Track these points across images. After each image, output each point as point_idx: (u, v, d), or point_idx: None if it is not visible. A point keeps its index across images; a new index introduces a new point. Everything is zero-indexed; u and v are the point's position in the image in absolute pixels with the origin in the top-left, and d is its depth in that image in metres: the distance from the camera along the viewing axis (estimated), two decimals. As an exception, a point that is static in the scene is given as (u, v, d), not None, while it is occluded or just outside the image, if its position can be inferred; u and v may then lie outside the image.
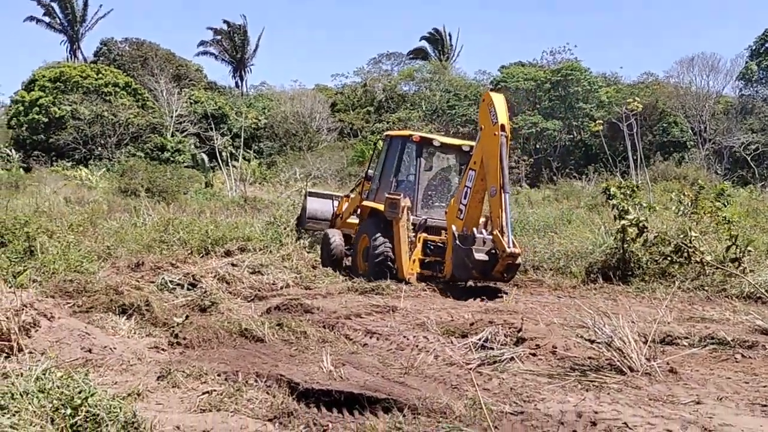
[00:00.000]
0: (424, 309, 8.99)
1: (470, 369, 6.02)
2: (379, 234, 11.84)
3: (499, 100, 10.97)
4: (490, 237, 10.71)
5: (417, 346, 6.99)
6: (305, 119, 52.66)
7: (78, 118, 43.61)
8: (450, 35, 69.94)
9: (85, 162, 42.14)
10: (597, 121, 24.68)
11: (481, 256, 10.45)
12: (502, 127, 10.63)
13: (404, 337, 7.35)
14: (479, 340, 6.67)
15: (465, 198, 11.18)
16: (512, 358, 6.15)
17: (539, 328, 6.97)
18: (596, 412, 4.84)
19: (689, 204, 14.88)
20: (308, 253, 14.29)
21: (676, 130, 49.54)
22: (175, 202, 25.22)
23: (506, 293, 10.54)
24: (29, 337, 6.24)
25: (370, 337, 7.54)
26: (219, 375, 5.99)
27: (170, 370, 5.89)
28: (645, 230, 10.86)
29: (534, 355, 6.27)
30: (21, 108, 45.65)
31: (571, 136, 52.65)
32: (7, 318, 5.98)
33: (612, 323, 5.93)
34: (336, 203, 15.32)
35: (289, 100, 55.32)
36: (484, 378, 5.78)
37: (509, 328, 6.84)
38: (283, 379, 5.82)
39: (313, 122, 52.95)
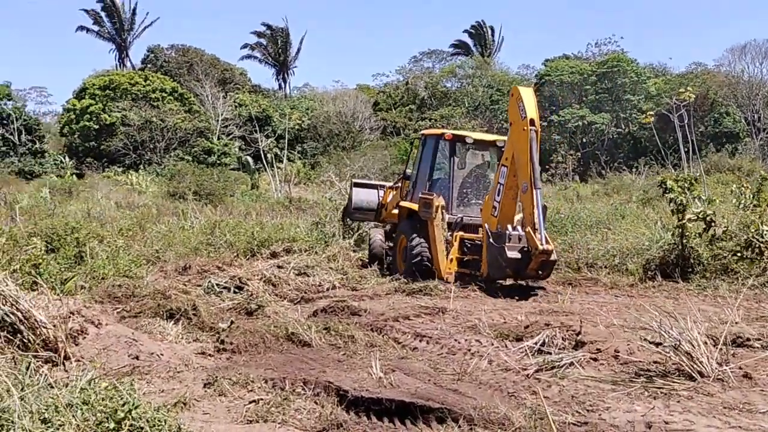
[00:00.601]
0: (474, 310, 8.69)
1: (527, 375, 5.71)
2: (415, 234, 11.79)
3: (527, 95, 10.83)
4: (522, 234, 10.49)
5: (469, 350, 6.71)
6: (348, 119, 52.68)
7: (127, 124, 44.59)
8: (492, 29, 69.07)
9: (135, 167, 43.04)
10: (648, 113, 23.79)
11: (513, 254, 10.27)
12: (531, 122, 10.48)
13: (455, 340, 7.07)
14: (535, 343, 6.34)
15: (498, 195, 11.03)
16: (572, 363, 5.81)
17: (599, 330, 6.59)
18: (667, 422, 4.50)
19: (750, 196, 14.12)
20: (354, 252, 14.12)
21: (729, 120, 47.82)
22: (222, 204, 25.46)
23: (560, 293, 10.13)
24: (77, 345, 6.20)
25: (420, 341, 7.29)
26: (266, 382, 5.84)
27: (217, 377, 5.77)
28: (712, 225, 10.26)
29: (595, 359, 5.91)
30: (73, 116, 46.93)
31: (619, 129, 51.31)
32: (54, 326, 5.95)
33: (679, 325, 5.53)
34: (381, 193, 15.06)
35: (332, 101, 55.45)
36: (542, 385, 5.47)
37: (567, 330, 6.49)
38: (331, 386, 5.63)
39: (355, 122, 52.92)
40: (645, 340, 6.01)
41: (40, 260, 8.18)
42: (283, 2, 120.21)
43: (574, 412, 4.74)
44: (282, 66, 68.88)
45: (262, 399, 5.23)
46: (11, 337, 5.77)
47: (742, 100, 48.38)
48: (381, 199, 14.85)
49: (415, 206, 12.24)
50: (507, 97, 56.20)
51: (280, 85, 69.68)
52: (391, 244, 13.42)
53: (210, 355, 6.98)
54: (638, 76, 51.19)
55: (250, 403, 5.18)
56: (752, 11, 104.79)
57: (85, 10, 64.85)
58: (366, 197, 15.10)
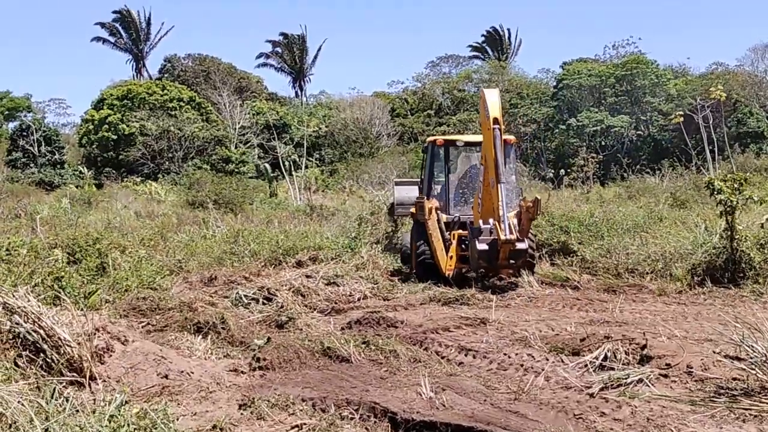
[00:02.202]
0: (518, 321, 8.19)
1: (592, 394, 5.21)
2: (419, 238, 12.40)
3: (491, 96, 11.31)
4: (489, 227, 10.85)
5: (522, 365, 6.20)
6: (365, 125, 52.36)
7: (146, 134, 44.59)
8: (509, 32, 68.53)
9: (154, 176, 42.97)
10: (677, 113, 23.13)
11: (482, 246, 10.71)
12: (495, 121, 10.89)
13: (505, 354, 6.57)
14: (596, 358, 5.83)
15: (480, 192, 11.56)
16: (640, 381, 5.30)
17: (665, 343, 6.05)
18: (763, 450, 3.97)
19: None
20: (382, 260, 13.70)
21: (752, 120, 46.84)
22: (242, 212, 25.12)
23: (605, 301, 9.57)
24: (102, 364, 5.79)
25: (466, 355, 6.81)
26: (305, 401, 5.40)
27: (253, 398, 5.33)
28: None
29: (665, 376, 5.39)
30: (91, 126, 47.06)
31: (639, 131, 50.47)
32: (79, 344, 5.54)
33: (764, 337, 5.00)
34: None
35: (349, 107, 55.18)
36: (611, 405, 4.96)
37: (630, 343, 5.96)
38: (377, 407, 5.18)
39: (373, 128, 52.59)
40: (720, 353, 5.47)
41: (63, 273, 7.80)
42: (297, 11, 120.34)
43: (654, 437, 4.24)
44: (298, 74, 68.79)
45: (305, 424, 4.78)
46: (34, 357, 5.37)
47: (765, 100, 47.41)
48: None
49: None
50: (526, 101, 55.91)
51: (296, 92, 69.66)
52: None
53: (243, 372, 6.54)
54: (658, 77, 50.37)
55: (293, 428, 4.73)
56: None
57: (101, 24, 65.30)
58: (407, 194, 15.68)
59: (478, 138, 13.21)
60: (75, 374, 5.48)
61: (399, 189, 16.08)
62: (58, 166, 46.01)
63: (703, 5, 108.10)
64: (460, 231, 12.09)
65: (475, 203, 11.93)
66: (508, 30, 68.60)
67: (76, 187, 40.38)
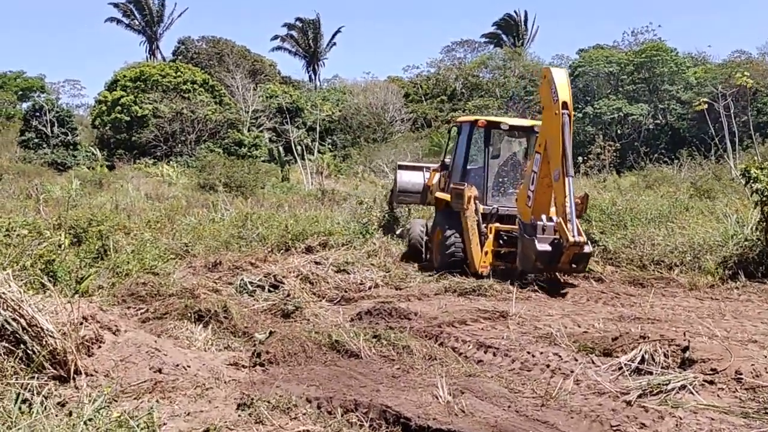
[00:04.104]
0: (541, 315, 7.64)
1: (629, 402, 4.66)
2: (449, 227, 11.22)
3: (560, 76, 10.11)
4: (551, 224, 9.79)
5: (548, 366, 5.66)
6: (378, 110, 51.70)
7: (158, 116, 44.18)
8: (527, 15, 67.30)
9: (166, 159, 42.63)
10: (702, 100, 22.34)
11: (544, 246, 9.60)
12: (564, 105, 9.73)
13: (529, 353, 6.03)
14: (631, 360, 5.27)
15: (532, 184, 10.28)
16: (683, 387, 4.75)
17: (707, 344, 5.47)
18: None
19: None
20: (394, 248, 13.15)
21: (773, 110, 45.79)
22: (253, 196, 24.68)
23: (632, 295, 9.00)
24: (90, 356, 5.32)
25: (485, 352, 6.28)
26: (310, 402, 4.91)
27: (252, 398, 4.84)
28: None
29: (711, 382, 4.84)
30: (104, 108, 46.69)
31: (657, 120, 49.46)
32: (63, 334, 5.07)
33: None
34: (427, 175, 14.31)
35: (362, 92, 54.51)
36: (652, 416, 4.42)
37: (669, 344, 5.39)
38: (389, 411, 4.67)
39: (386, 113, 51.92)
40: (772, 358, 4.91)
41: (54, 256, 7.33)
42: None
43: (707, 456, 3.69)
44: (312, 57, 68.09)
45: (308, 430, 4.27)
46: (13, 348, 4.91)
47: (787, 89, 46.18)
48: (426, 180, 14.09)
49: (448, 197, 11.62)
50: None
51: (310, 76, 68.98)
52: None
53: (244, 366, 6.06)
54: (678, 65, 49.23)
55: (295, 435, 4.23)
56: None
57: (114, 4, 64.80)
58: (411, 179, 14.55)
59: (525, 122, 12.39)
60: (58, 368, 5.02)
61: (402, 174, 14.69)
62: (71, 147, 45.74)
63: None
64: (498, 224, 11.05)
65: (521, 195, 10.64)
66: (525, 13, 67.32)
67: (88, 168, 40.14)
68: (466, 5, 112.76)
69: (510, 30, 67.70)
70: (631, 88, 49.77)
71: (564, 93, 9.80)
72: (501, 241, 10.98)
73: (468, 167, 11.99)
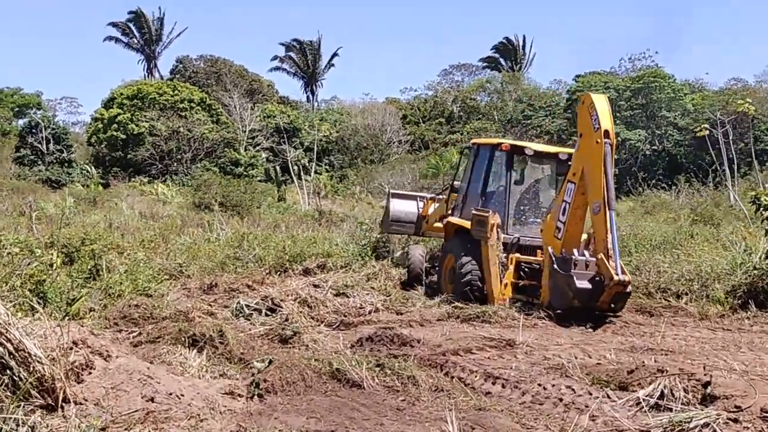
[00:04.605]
0: (549, 345, 7.38)
1: (651, 440, 4.39)
2: (465, 254, 10.64)
3: (601, 103, 9.65)
4: (592, 260, 9.18)
5: (561, 399, 5.39)
6: (376, 132, 51.74)
7: (155, 134, 44.03)
8: (525, 39, 67.79)
9: (162, 177, 42.40)
10: (703, 126, 22.37)
11: (583, 284, 9.00)
12: (606, 134, 9.25)
13: (540, 385, 5.76)
14: (650, 396, 5.01)
15: (563, 214, 9.75)
16: (706, 425, 4.49)
17: (728, 379, 5.22)
18: None
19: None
20: (394, 270, 12.87)
21: (770, 137, 46.18)
22: (249, 216, 24.43)
23: (641, 324, 8.77)
24: (80, 383, 5.03)
25: (494, 383, 6.00)
26: (310, 437, 4.63)
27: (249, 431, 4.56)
28: None
29: (735, 420, 4.57)
30: (100, 125, 46.54)
31: (654, 146, 49.64)
32: (52, 360, 4.79)
33: None
34: (421, 204, 13.94)
35: (360, 113, 54.59)
36: (676, 457, 4.16)
37: (689, 379, 5.14)
38: (395, 448, 4.39)
39: (383, 135, 51.94)
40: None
41: (45, 276, 7.05)
42: (310, 16, 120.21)
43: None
44: (310, 78, 68.30)
45: (310, 469, 3.99)
46: (-2, 375, 4.62)
47: (783, 117, 46.52)
48: (421, 211, 13.73)
49: (465, 223, 11.09)
50: (540, 112, 55.22)
51: (308, 97, 69.14)
52: (432, 265, 12.28)
53: (240, 395, 5.77)
54: (675, 92, 49.57)
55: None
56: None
57: (114, 23, 65.04)
58: (405, 209, 14.05)
59: (550, 149, 11.93)
60: (46, 396, 4.74)
61: (395, 203, 14.16)
62: (66, 164, 45.49)
63: (721, 21, 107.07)
64: (518, 255, 10.57)
65: (548, 226, 10.08)
66: (523, 38, 67.82)
67: (83, 185, 39.85)
68: (464, 29, 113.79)
69: (508, 54, 68.14)
70: (628, 113, 50.00)
71: (606, 121, 9.37)
72: (522, 273, 10.49)
73: (487, 192, 11.47)
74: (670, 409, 4.83)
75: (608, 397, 5.31)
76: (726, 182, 33.88)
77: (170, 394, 5.40)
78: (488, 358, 6.90)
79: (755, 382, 5.14)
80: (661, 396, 5.00)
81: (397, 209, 14.03)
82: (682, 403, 4.90)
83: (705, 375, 5.15)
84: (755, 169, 35.96)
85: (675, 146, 48.35)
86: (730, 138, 36.22)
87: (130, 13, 65.07)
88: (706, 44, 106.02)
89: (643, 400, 5.00)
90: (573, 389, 5.57)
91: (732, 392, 4.89)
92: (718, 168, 34.38)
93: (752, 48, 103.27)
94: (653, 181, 41.98)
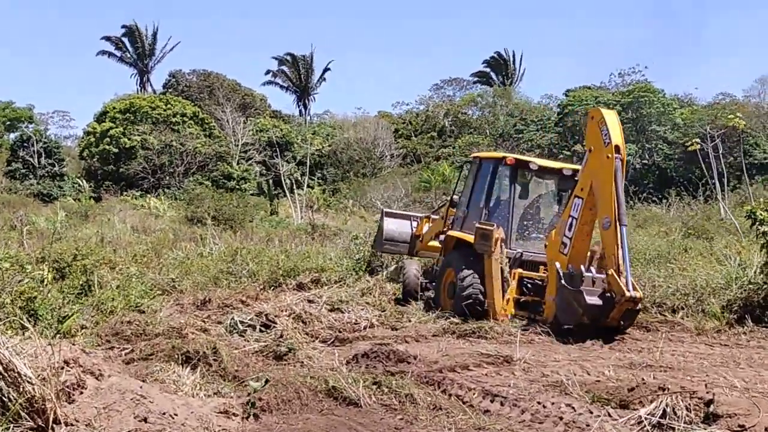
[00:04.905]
0: (547, 361, 7.32)
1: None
2: (466, 269, 10.50)
3: (611, 118, 9.64)
4: (601, 276, 9.13)
5: (561, 418, 5.32)
6: (368, 145, 51.80)
7: (147, 148, 43.93)
8: (514, 54, 68.19)
9: (154, 191, 42.24)
10: (694, 140, 22.51)
11: (593, 300, 8.92)
12: (617, 149, 9.23)
13: (539, 403, 5.69)
14: (651, 414, 4.95)
15: (570, 230, 9.66)
16: (710, 445, 4.43)
17: (729, 396, 5.16)
18: None
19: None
20: (389, 285, 12.80)
21: (758, 151, 46.51)
22: (242, 230, 24.33)
23: (638, 339, 8.73)
24: (71, 403, 4.92)
25: (492, 401, 5.93)
26: (307, 457, 4.54)
27: (246, 453, 4.47)
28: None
29: (740, 440, 4.52)
30: (92, 139, 46.40)
31: (644, 160, 49.97)
32: (42, 380, 4.68)
33: None
34: (415, 224, 13.88)
35: (353, 127, 54.70)
36: (680, 477, 4.09)
37: (690, 397, 5.08)
38: (395, 469, 4.31)
39: (376, 149, 52.02)
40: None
41: (35, 293, 6.94)
42: (303, 30, 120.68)
43: None
44: (303, 92, 68.39)
45: (308, 493, 3.90)
46: (-13, 396, 4.52)
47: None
48: (414, 230, 13.66)
49: (466, 236, 10.96)
50: (530, 126, 55.52)
51: (300, 111, 69.19)
52: (428, 280, 12.19)
53: (235, 414, 5.66)
54: (665, 106, 50.00)
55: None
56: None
57: (107, 38, 64.98)
58: (398, 228, 13.99)
59: (556, 164, 11.87)
60: (36, 417, 4.63)
61: (389, 222, 14.07)
62: (58, 178, 45.27)
63: (710, 35, 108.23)
64: (521, 270, 10.52)
65: (553, 242, 9.97)
66: (513, 53, 68.22)
67: (74, 199, 39.62)
68: (456, 44, 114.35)
69: (499, 69, 68.47)
70: (618, 127, 50.33)
71: (616, 136, 9.33)
72: (524, 289, 10.41)
73: (490, 207, 11.34)
74: (673, 428, 4.78)
75: (609, 415, 5.24)
76: (716, 196, 34.07)
77: (164, 413, 5.29)
78: (486, 375, 6.83)
79: (758, 399, 5.07)
80: (663, 414, 4.93)
81: (391, 228, 13.96)
82: (685, 422, 4.83)
83: (707, 393, 5.09)
84: (745, 183, 36.20)
85: (665, 160, 48.69)
86: (720, 152, 36.51)
87: (123, 27, 65.14)
88: (695, 59, 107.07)
89: (645, 418, 4.94)
90: (573, 407, 5.50)
91: (735, 410, 4.83)
92: (709, 182, 34.54)
93: (740, 63, 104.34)
94: (644, 195, 42.22)
